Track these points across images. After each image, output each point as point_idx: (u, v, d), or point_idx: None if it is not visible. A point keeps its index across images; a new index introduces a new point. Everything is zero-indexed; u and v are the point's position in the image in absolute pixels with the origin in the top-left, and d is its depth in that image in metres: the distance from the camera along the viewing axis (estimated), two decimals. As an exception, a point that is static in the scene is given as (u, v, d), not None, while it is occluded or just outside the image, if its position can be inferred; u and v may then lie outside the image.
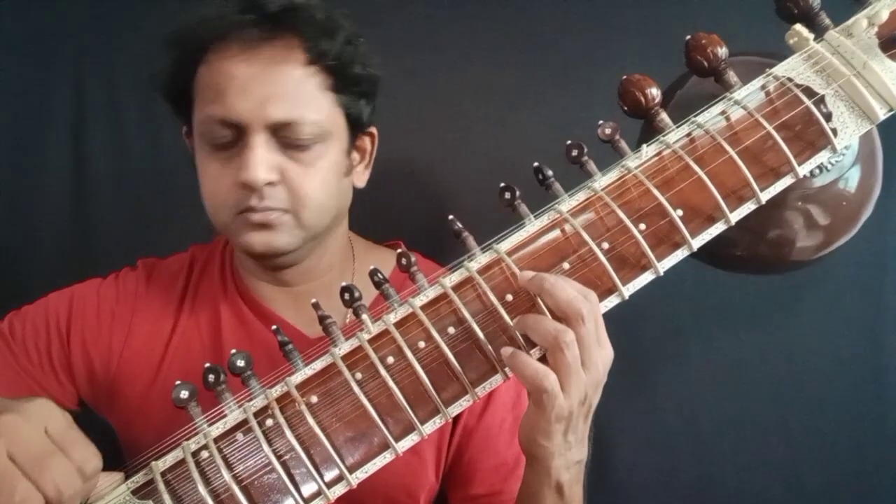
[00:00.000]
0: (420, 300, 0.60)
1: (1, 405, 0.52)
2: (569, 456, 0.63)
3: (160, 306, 0.87)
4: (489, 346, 0.58)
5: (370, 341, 0.59)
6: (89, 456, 0.53)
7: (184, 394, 0.56)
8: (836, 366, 1.20)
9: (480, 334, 0.58)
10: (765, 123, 0.64)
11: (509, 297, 0.60)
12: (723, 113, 0.66)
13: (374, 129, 0.89)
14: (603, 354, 0.59)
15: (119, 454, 0.86)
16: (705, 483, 1.19)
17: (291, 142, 0.76)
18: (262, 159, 0.75)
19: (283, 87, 0.75)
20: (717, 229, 0.63)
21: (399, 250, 0.62)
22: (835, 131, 0.65)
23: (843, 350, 1.20)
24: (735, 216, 0.63)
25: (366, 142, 0.88)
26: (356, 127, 0.84)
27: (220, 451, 0.55)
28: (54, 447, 0.51)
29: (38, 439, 0.51)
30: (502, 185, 0.64)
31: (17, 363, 0.81)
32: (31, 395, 0.78)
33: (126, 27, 1.23)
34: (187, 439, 0.56)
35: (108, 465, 0.58)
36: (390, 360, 0.58)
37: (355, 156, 0.87)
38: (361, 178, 0.89)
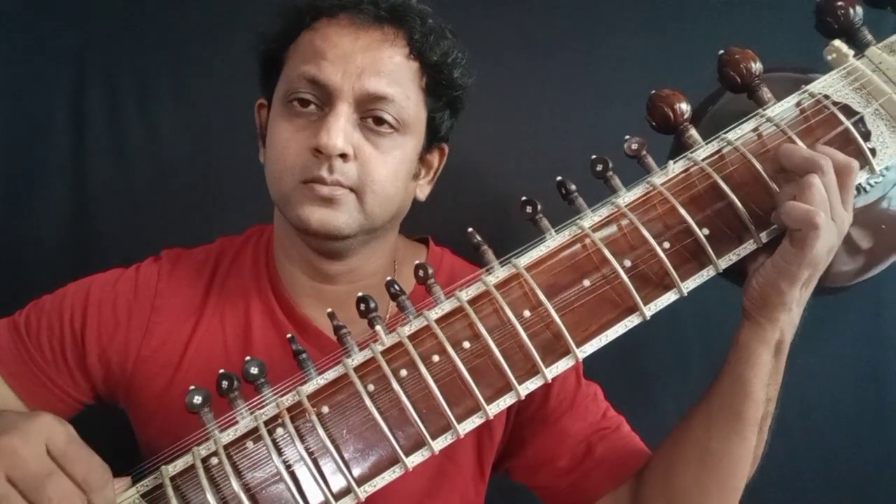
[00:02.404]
0: (435, 313, 0.59)
1: (2, 425, 0.52)
2: (794, 314, 0.65)
3: (181, 303, 0.84)
4: (505, 363, 0.57)
5: (383, 353, 0.58)
6: (93, 469, 0.53)
7: (197, 399, 0.57)
8: (835, 366, 1.19)
9: (496, 350, 0.57)
10: (799, 142, 0.62)
11: (527, 313, 0.59)
12: (755, 130, 0.64)
13: (446, 146, 0.89)
14: (844, 214, 0.61)
15: (135, 449, 0.86)
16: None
17: (374, 121, 0.77)
18: (343, 128, 0.74)
19: (382, 65, 0.76)
20: (745, 250, 0.61)
21: (417, 262, 0.61)
22: (874, 151, 0.63)
23: (843, 350, 1.19)
24: (765, 236, 0.61)
25: (435, 155, 0.88)
26: (434, 135, 0.84)
27: (229, 457, 0.55)
28: (54, 466, 0.51)
29: (37, 459, 0.51)
30: (524, 198, 0.63)
31: (32, 361, 0.80)
32: (47, 391, 0.81)
33: (126, 27, 1.23)
34: (198, 444, 0.56)
35: (124, 460, 0.59)
36: (403, 372, 0.57)
37: (421, 167, 0.86)
38: (424, 190, 0.88)
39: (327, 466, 0.55)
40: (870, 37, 0.67)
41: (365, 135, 0.77)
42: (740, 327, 0.66)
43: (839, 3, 0.66)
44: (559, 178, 0.64)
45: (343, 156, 0.75)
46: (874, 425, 1.18)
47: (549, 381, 0.58)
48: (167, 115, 1.22)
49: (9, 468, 0.50)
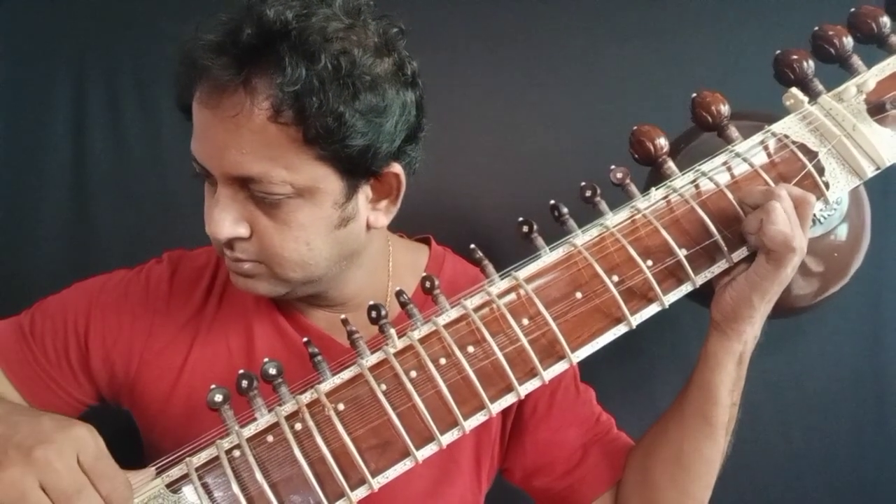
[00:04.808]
0: (443, 319, 0.65)
1: (39, 433, 0.55)
2: (757, 327, 0.72)
3: (184, 307, 0.85)
4: (507, 365, 0.63)
5: (395, 355, 0.63)
6: (118, 487, 0.56)
7: (218, 397, 0.60)
8: (835, 366, 1.21)
9: (499, 354, 0.63)
10: (763, 175, 0.71)
11: (525, 321, 0.65)
12: (725, 164, 0.73)
13: (396, 169, 0.75)
14: (804, 239, 0.67)
15: (139, 449, 0.87)
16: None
17: (260, 197, 0.69)
18: (227, 212, 0.70)
19: (242, 140, 0.66)
20: (718, 268, 0.69)
21: (424, 274, 0.67)
22: (827, 185, 0.72)
23: (843, 350, 1.21)
24: (736, 256, 0.69)
25: (387, 179, 0.75)
26: (358, 174, 0.72)
27: (252, 450, 0.59)
28: (85, 481, 0.54)
29: (69, 471, 0.54)
30: (520, 219, 0.69)
31: (36, 363, 0.81)
32: (51, 393, 0.81)
33: (126, 27, 1.23)
34: (220, 438, 0.60)
35: (128, 459, 0.61)
36: (413, 373, 0.62)
37: (367, 197, 0.75)
38: (382, 218, 0.78)
39: (344, 459, 0.59)
40: (821, 87, 0.76)
41: (259, 206, 0.70)
42: (708, 338, 0.74)
43: (794, 57, 0.75)
44: (552, 201, 0.71)
45: (239, 237, 0.71)
46: (874, 425, 1.20)
47: (546, 383, 0.63)
48: (167, 115, 1.22)
49: (42, 476, 0.53)
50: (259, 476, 0.57)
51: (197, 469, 0.58)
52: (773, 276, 0.67)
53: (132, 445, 0.84)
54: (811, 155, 0.72)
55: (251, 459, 0.58)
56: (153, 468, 0.59)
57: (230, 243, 0.72)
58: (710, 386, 0.74)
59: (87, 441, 0.56)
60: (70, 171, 1.22)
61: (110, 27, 1.24)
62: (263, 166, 0.67)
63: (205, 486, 0.58)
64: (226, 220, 0.70)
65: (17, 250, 1.20)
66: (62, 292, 0.86)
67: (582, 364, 0.66)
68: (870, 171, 0.72)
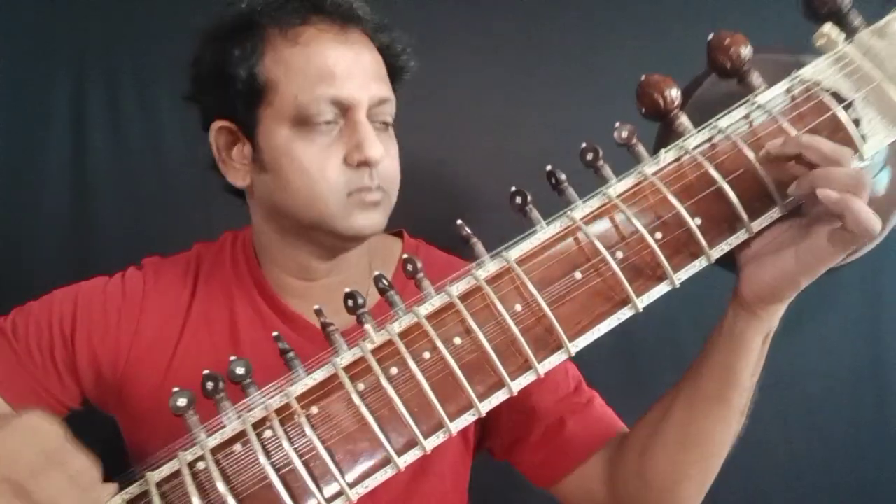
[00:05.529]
0: (425, 309, 0.58)
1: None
2: (783, 308, 0.65)
3: (168, 305, 0.85)
4: (497, 359, 0.56)
5: (373, 352, 0.57)
6: (86, 467, 0.52)
7: (181, 401, 0.55)
8: (835, 366, 1.20)
9: (488, 346, 0.56)
10: (790, 129, 0.61)
11: (518, 308, 0.58)
12: (746, 117, 0.63)
13: None
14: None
15: (123, 455, 0.85)
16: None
17: (381, 121, 0.80)
18: (375, 135, 0.78)
19: (375, 68, 0.80)
20: (737, 239, 0.61)
21: (405, 256, 0.60)
22: (864, 137, 0.62)
23: (843, 350, 1.20)
24: (757, 225, 0.61)
25: None
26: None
27: (217, 462, 0.53)
28: (48, 463, 0.50)
29: (31, 457, 0.50)
30: (513, 189, 0.61)
31: (20, 364, 0.79)
32: (35, 395, 0.80)
33: (126, 27, 1.23)
34: (184, 449, 0.55)
35: (111, 466, 0.57)
36: (393, 371, 0.56)
37: None
38: None
39: (318, 469, 0.54)
40: (858, 21, 0.66)
41: (378, 134, 0.79)
42: (734, 318, 0.66)
43: (828, -13, 0.65)
44: (549, 167, 0.62)
45: (379, 160, 0.78)
46: (874, 425, 1.19)
47: (541, 376, 0.57)
48: (167, 114, 1.24)
49: (3, 465, 0.49)
50: (223, 490, 0.52)
51: (158, 484, 0.54)
52: (833, 258, 0.59)
53: (117, 454, 0.83)
54: (846, 104, 0.63)
55: (215, 473, 0.53)
56: (115, 484, 0.55)
57: (372, 173, 0.78)
58: (733, 369, 0.67)
59: (45, 426, 0.53)
60: (70, 171, 1.23)
61: (110, 27, 1.25)
62: (389, 88, 0.81)
63: (168, 502, 0.53)
64: (378, 142, 0.77)
65: (17, 250, 1.21)
66: (43, 297, 0.84)
67: (581, 364, 0.60)
68: (914, 120, 0.63)
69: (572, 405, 0.85)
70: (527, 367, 0.57)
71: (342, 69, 0.76)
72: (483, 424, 0.88)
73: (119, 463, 0.76)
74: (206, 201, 1.15)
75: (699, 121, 0.64)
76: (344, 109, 0.77)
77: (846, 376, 1.20)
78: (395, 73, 0.84)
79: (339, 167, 0.77)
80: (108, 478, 0.55)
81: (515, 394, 0.57)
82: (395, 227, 0.92)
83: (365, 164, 0.77)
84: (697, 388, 0.70)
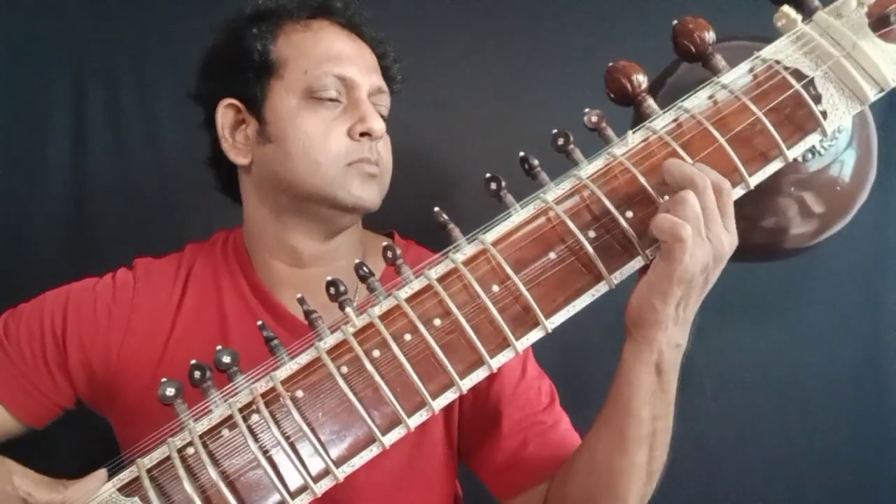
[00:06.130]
0: (405, 293, 0.59)
1: None
2: (673, 332, 0.62)
3: (158, 304, 0.86)
4: (476, 338, 0.58)
5: (355, 335, 0.58)
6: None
7: (170, 391, 0.56)
8: (835, 366, 1.20)
9: (467, 326, 0.58)
10: (753, 107, 0.63)
11: (495, 288, 0.60)
12: (710, 97, 0.65)
13: None
14: (727, 236, 0.60)
15: (115, 454, 0.86)
16: (705, 483, 1.19)
17: (377, 112, 0.86)
18: (376, 113, 0.85)
19: (374, 64, 0.90)
20: (705, 215, 0.62)
21: (385, 243, 0.61)
22: (824, 114, 0.65)
23: (843, 350, 1.20)
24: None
25: None
26: None
27: (205, 447, 0.55)
28: None
29: None
30: (488, 175, 0.63)
31: (13, 365, 0.81)
32: (28, 396, 0.81)
33: (126, 27, 1.24)
34: (173, 436, 0.56)
35: (101, 464, 0.58)
36: (376, 353, 0.58)
37: None
38: None
39: (304, 450, 0.55)
40: (817, 2, 0.68)
41: None
42: (623, 346, 0.65)
43: (786, -31, 0.67)
44: (521, 153, 0.64)
45: (380, 135, 0.85)
46: (874, 425, 1.19)
47: (520, 353, 0.59)
48: (167, 115, 1.24)
49: None
50: (213, 473, 0.54)
51: (149, 470, 0.55)
52: (668, 273, 0.58)
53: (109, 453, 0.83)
54: (806, 81, 0.65)
55: (204, 457, 0.54)
56: (104, 471, 0.56)
57: (372, 146, 0.84)
58: (623, 397, 0.65)
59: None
60: (70, 171, 1.23)
61: (110, 27, 1.25)
62: (384, 83, 0.90)
63: (159, 487, 0.54)
64: (379, 117, 0.85)
65: (17, 250, 1.21)
66: (32, 300, 0.86)
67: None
68: (872, 94, 0.65)
69: (538, 425, 0.85)
70: (505, 344, 0.58)
71: (347, 55, 0.86)
72: (458, 429, 0.88)
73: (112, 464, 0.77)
74: (206, 201, 1.15)
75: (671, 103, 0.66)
76: (348, 88, 0.84)
77: (846, 376, 1.20)
78: (390, 81, 0.92)
79: (342, 138, 0.83)
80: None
81: (495, 370, 0.58)
82: (374, 214, 0.92)
83: (367, 135, 0.83)
84: (600, 418, 0.71)
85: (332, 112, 0.84)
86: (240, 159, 0.87)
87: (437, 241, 0.91)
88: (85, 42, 1.23)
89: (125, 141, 1.24)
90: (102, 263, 0.91)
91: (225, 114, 0.87)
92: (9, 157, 1.22)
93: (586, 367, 1.12)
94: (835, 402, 1.20)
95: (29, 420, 0.82)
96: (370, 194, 0.85)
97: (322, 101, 0.83)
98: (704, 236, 0.58)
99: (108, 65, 1.24)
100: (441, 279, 0.60)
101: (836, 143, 0.79)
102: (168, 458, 0.55)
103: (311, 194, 0.83)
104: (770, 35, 0.70)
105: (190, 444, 0.55)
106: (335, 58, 0.84)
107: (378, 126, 0.83)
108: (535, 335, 0.59)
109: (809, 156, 0.73)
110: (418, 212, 0.98)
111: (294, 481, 0.55)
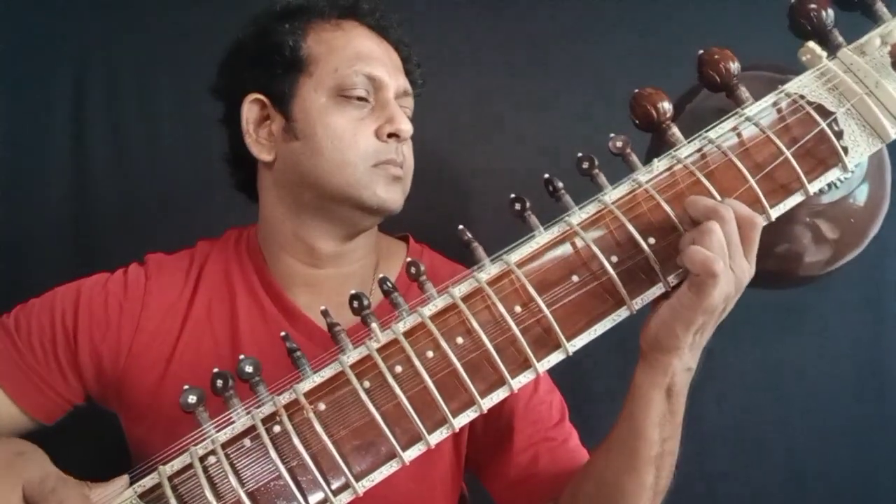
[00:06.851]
0: (429, 310, 0.60)
1: None
2: (687, 358, 0.64)
3: (169, 301, 0.86)
4: (498, 357, 0.58)
5: (379, 350, 0.59)
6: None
7: (192, 398, 0.57)
8: (836, 366, 1.21)
9: (490, 345, 0.59)
10: (776, 141, 0.64)
11: (518, 309, 0.60)
12: (734, 129, 0.66)
13: None
14: (745, 266, 0.61)
15: (123, 452, 0.86)
16: (706, 483, 1.20)
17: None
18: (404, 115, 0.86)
19: (400, 66, 0.90)
20: (726, 245, 0.63)
21: (409, 259, 0.62)
22: (846, 150, 0.66)
23: (843, 350, 1.21)
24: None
25: None
26: None
27: (227, 456, 0.55)
28: None
29: None
30: (512, 195, 0.64)
31: (23, 360, 0.81)
32: (38, 391, 0.81)
33: (126, 27, 1.24)
34: (195, 444, 0.56)
35: (111, 461, 0.58)
36: (398, 368, 0.58)
37: None
38: None
39: (326, 463, 0.55)
40: (841, 39, 0.69)
41: None
42: (637, 366, 0.67)
43: (812, 6, 0.68)
44: (546, 175, 0.65)
45: (407, 138, 0.86)
46: (874, 425, 1.20)
47: (541, 375, 0.60)
48: (167, 115, 1.24)
49: None
50: (235, 483, 0.54)
51: (170, 477, 0.55)
52: (695, 304, 0.59)
53: (119, 450, 0.83)
54: (829, 116, 0.66)
55: (226, 466, 0.54)
56: (126, 476, 0.56)
57: (399, 148, 0.85)
58: (634, 419, 0.67)
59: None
60: (70, 171, 1.23)
61: (110, 27, 1.25)
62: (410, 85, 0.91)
63: (179, 495, 0.55)
64: (407, 119, 0.86)
65: (17, 250, 1.21)
66: (45, 293, 0.85)
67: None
68: (893, 133, 0.66)
69: (549, 441, 0.86)
70: (526, 365, 0.59)
71: (377, 55, 0.86)
72: (469, 443, 0.89)
73: (121, 460, 0.78)
74: (206, 200, 1.18)
75: (691, 131, 0.67)
76: (376, 88, 0.85)
77: (846, 376, 1.20)
78: (414, 87, 0.92)
79: (370, 138, 0.83)
80: (110, 476, 0.57)
81: (516, 391, 0.59)
82: (398, 229, 0.94)
83: (395, 136, 0.83)
84: (611, 439, 0.72)
85: (360, 111, 0.84)
86: (263, 155, 0.86)
87: (448, 245, 0.93)
88: (85, 42, 1.24)
89: (125, 141, 1.24)
90: (102, 262, 0.91)
91: (250, 109, 0.87)
92: (9, 157, 1.22)
93: (589, 381, 1.13)
94: (835, 402, 1.20)
95: (39, 416, 0.82)
96: (394, 196, 0.85)
97: (350, 100, 0.83)
98: (729, 267, 0.59)
99: (108, 65, 1.24)
100: (465, 298, 0.60)
101: (851, 176, 0.80)
102: (189, 465, 0.55)
103: (335, 193, 0.83)
104: (794, 66, 0.71)
105: (212, 452, 0.56)
106: (365, 57, 0.85)
107: (406, 127, 0.84)
108: (556, 357, 0.60)
109: (826, 188, 0.74)
110: (425, 214, 1.00)
111: (314, 494, 0.55)
